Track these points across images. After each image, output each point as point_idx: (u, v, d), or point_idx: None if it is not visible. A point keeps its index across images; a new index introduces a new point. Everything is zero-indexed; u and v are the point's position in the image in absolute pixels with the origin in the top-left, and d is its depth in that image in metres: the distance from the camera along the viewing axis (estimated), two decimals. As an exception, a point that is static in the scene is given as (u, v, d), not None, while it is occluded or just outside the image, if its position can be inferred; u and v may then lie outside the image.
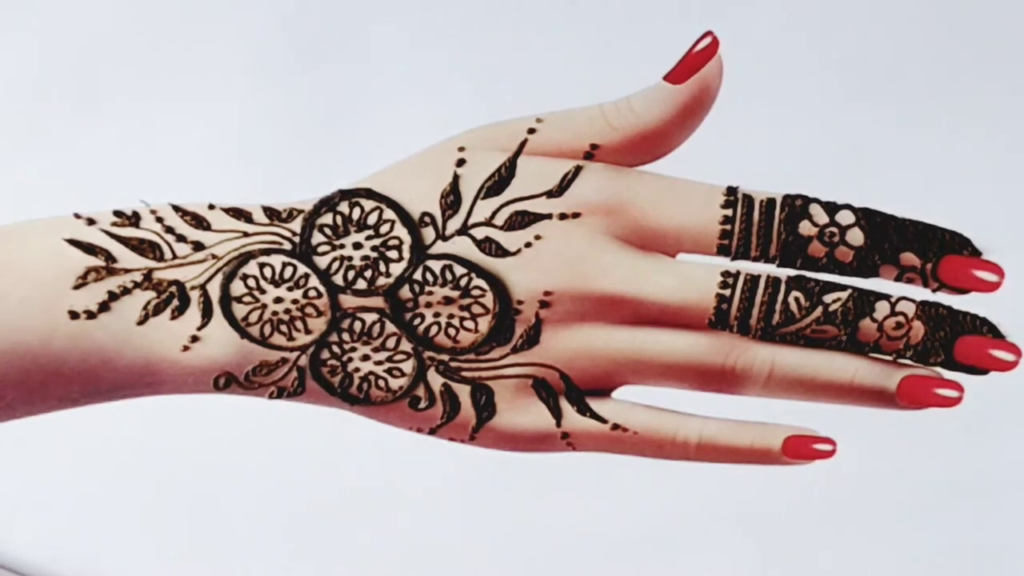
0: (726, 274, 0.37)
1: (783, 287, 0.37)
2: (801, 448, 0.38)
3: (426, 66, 0.88)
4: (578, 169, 0.37)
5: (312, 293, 0.37)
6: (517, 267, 0.37)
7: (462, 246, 0.37)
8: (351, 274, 0.37)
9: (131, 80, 0.90)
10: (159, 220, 0.37)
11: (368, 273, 0.37)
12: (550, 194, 0.37)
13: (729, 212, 0.37)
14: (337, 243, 0.37)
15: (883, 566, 0.91)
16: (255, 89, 0.89)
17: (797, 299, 0.37)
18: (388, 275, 0.37)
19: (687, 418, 0.38)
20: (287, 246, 0.37)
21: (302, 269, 0.37)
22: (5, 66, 0.91)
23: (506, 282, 0.37)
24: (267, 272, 0.37)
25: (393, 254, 0.37)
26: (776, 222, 0.37)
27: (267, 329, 0.37)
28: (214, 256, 0.37)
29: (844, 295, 0.37)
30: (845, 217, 0.37)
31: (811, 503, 0.88)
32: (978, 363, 0.36)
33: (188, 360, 0.36)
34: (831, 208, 0.37)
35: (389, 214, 0.37)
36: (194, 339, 0.36)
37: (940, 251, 0.37)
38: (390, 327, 0.37)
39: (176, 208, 0.37)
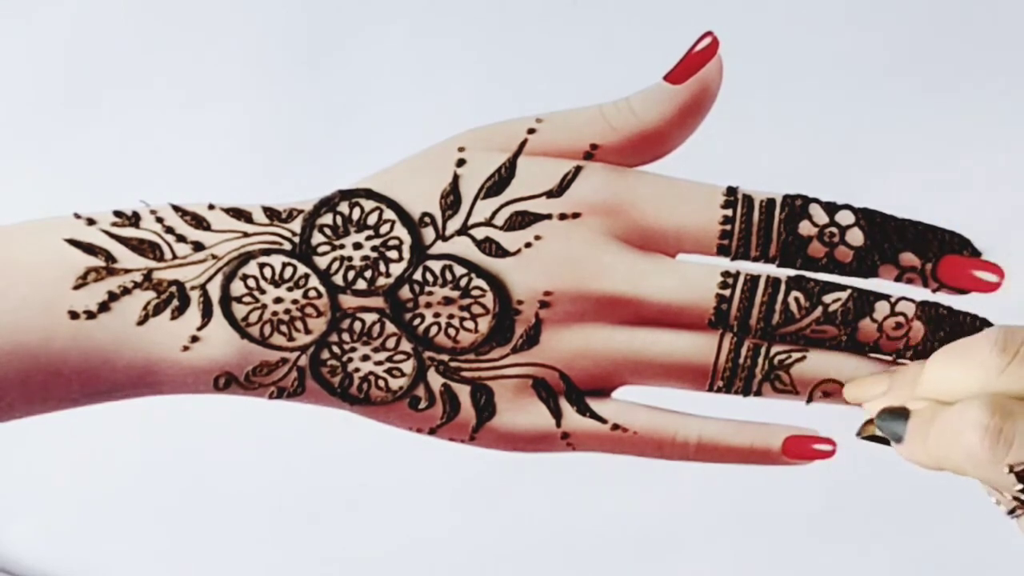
0: (726, 274, 0.37)
1: (783, 287, 0.37)
2: (801, 448, 0.38)
3: (426, 67, 0.88)
4: (578, 169, 0.37)
5: (312, 293, 0.37)
6: (517, 267, 0.37)
7: (462, 246, 0.37)
8: (351, 274, 0.37)
9: (131, 80, 0.90)
10: (159, 220, 0.37)
11: (368, 273, 0.37)
12: (550, 194, 0.37)
13: (729, 212, 0.37)
14: (337, 243, 0.37)
15: (882, 566, 0.91)
16: (255, 89, 0.89)
17: (797, 299, 0.37)
18: (388, 275, 0.37)
19: (687, 418, 0.38)
20: (287, 246, 0.37)
21: (302, 269, 0.37)
22: (5, 66, 0.91)
23: (506, 282, 0.37)
24: (267, 272, 0.37)
25: (393, 254, 0.37)
26: (776, 222, 0.37)
27: (267, 329, 0.37)
28: (214, 256, 0.37)
29: (844, 295, 0.37)
30: (845, 217, 0.37)
31: (811, 503, 0.88)
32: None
33: (188, 360, 0.36)
34: (831, 208, 0.37)
35: (389, 214, 0.37)
36: (194, 339, 0.36)
37: (940, 251, 0.37)
38: (390, 327, 0.37)
39: (176, 208, 0.37)
